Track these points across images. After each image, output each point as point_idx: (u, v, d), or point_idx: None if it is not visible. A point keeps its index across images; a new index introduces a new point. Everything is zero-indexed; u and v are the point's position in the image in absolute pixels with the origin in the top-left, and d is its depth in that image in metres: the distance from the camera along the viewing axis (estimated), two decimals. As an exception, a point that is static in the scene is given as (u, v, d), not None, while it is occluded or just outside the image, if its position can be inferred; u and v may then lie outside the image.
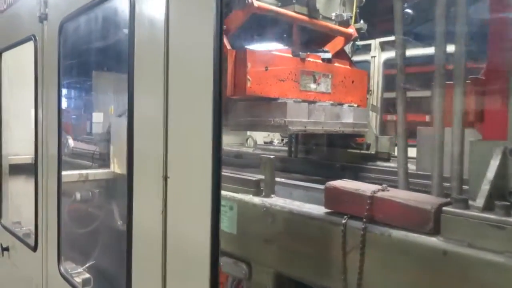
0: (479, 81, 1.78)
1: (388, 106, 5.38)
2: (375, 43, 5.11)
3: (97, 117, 7.34)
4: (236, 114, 3.22)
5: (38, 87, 2.93)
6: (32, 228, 4.09)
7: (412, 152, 4.78)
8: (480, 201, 1.44)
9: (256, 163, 2.82)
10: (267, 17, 3.32)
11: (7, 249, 3.69)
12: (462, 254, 1.38)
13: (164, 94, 1.58)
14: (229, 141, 5.14)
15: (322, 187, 3.01)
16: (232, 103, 3.24)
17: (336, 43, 4.06)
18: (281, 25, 3.66)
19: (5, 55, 3.81)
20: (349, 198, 1.73)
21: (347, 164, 4.25)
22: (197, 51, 1.45)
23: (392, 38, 5.20)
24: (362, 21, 4.17)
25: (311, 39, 4.02)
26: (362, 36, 4.31)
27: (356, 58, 4.69)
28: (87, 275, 2.82)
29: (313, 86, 3.51)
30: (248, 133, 5.10)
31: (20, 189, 4.20)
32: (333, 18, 3.93)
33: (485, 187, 1.49)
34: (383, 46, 5.16)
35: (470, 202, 1.48)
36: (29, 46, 3.61)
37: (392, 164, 4.32)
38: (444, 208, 1.46)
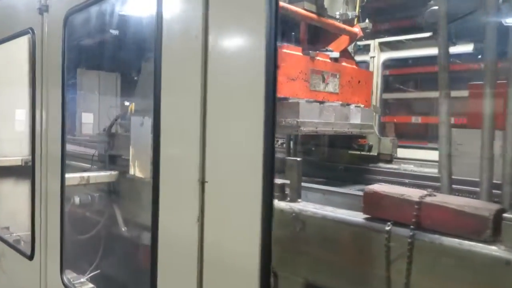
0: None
1: (386, 107, 5.35)
2: (374, 43, 5.07)
3: (87, 117, 7.09)
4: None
5: (37, 85, 2.74)
6: (23, 234, 3.88)
7: (413, 154, 4.76)
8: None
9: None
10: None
11: (-3, 256, 3.46)
12: (526, 264, 1.31)
13: (201, 94, 1.44)
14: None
15: (340, 190, 2.94)
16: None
17: (340, 43, 3.98)
18: (288, 22, 3.56)
19: (-8, 50, 3.58)
20: (392, 204, 1.63)
21: (350, 166, 4.18)
22: (245, 47, 1.33)
23: (391, 38, 5.18)
24: (367, 20, 4.12)
25: (316, 37, 3.93)
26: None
27: (355, 58, 4.64)
28: (91, 285, 2.64)
29: (322, 85, 3.42)
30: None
31: (9, 193, 3.97)
32: (337, 16, 3.85)
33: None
34: (382, 47, 5.13)
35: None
36: (18, 41, 3.41)
37: (394, 166, 4.29)
38: (505, 215, 1.38)
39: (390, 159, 4.37)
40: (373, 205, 1.70)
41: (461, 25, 2.16)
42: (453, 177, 2.19)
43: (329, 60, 3.50)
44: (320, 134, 3.41)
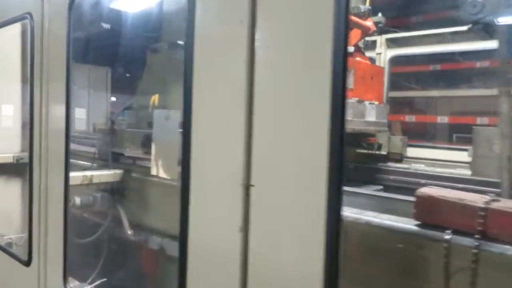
0: None
1: (392, 105, 5.22)
2: (381, 39, 4.92)
3: (80, 112, 6.79)
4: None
5: (35, 78, 2.50)
6: (15, 237, 3.62)
7: (422, 153, 4.63)
8: None
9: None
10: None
11: (-13, 262, 3.19)
12: None
13: (247, 85, 1.25)
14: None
15: (366, 191, 2.78)
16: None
17: (352, 37, 3.82)
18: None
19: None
20: (451, 210, 1.47)
21: (361, 165, 4.03)
22: (305, 33, 1.14)
23: (399, 35, 5.05)
24: (380, 14, 3.97)
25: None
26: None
27: (362, 54, 4.49)
28: (96, 294, 2.43)
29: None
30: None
31: (0, 192, 3.70)
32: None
33: None
34: (389, 43, 4.99)
35: None
36: (7, 29, 3.15)
37: (405, 165, 4.16)
38: None
39: (400, 158, 4.24)
40: (428, 210, 1.53)
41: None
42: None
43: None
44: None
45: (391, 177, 3.82)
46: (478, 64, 6.93)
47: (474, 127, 2.37)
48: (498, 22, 1.79)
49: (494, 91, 3.59)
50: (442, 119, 7.98)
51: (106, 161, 3.01)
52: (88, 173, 2.66)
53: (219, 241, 1.34)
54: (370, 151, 4.24)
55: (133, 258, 2.91)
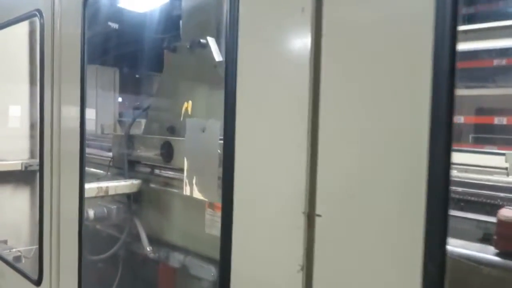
0: None
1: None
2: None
3: (89, 113, 6.59)
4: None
5: (45, 79, 2.28)
6: (24, 250, 3.41)
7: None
8: None
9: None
10: None
11: (-6, 277, 2.99)
12: None
13: (310, 85, 1.01)
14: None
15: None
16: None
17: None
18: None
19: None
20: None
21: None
22: (393, 21, 0.90)
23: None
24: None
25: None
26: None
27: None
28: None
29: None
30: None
31: (6, 202, 3.49)
32: None
33: None
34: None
35: None
36: (14, 28, 2.94)
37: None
38: None
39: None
40: (514, 238, 1.28)
41: None
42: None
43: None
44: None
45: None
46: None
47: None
48: None
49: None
50: (458, 119, 7.69)
51: (120, 169, 2.79)
52: (104, 184, 2.43)
53: (273, 284, 1.10)
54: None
55: (151, 276, 2.68)
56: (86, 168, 2.88)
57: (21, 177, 3.45)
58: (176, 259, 2.44)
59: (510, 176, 3.06)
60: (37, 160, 3.47)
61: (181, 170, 2.43)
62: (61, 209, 2.20)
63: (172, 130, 2.62)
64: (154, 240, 2.51)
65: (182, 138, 2.40)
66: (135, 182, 2.57)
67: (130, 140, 2.73)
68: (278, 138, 1.09)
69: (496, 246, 1.33)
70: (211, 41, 2.42)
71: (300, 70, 1.03)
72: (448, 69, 0.81)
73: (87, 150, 3.65)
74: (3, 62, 3.38)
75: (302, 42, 1.03)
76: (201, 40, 2.40)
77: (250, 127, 1.16)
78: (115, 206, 2.65)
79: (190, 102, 2.06)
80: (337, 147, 0.98)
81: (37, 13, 2.30)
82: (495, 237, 1.33)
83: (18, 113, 3.50)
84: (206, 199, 1.67)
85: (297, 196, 1.04)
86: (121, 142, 2.76)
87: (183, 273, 2.48)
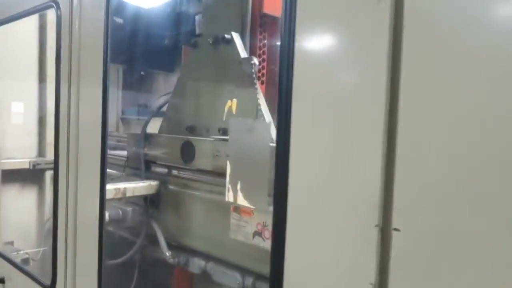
0: None
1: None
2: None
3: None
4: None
5: (62, 75, 2.16)
6: (31, 251, 3.30)
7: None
8: None
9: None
10: None
11: (2, 280, 2.87)
12: None
13: (388, 93, 0.91)
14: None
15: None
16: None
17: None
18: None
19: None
20: None
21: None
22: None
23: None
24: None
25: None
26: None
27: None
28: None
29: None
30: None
31: (12, 201, 3.37)
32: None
33: None
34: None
35: None
36: (21, 22, 2.81)
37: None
38: None
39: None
40: None
41: None
42: None
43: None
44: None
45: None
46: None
47: None
48: None
49: None
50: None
51: (135, 169, 2.68)
52: (121, 185, 2.32)
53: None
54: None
55: (168, 282, 2.58)
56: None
57: (28, 175, 3.33)
58: (196, 265, 2.33)
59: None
60: (45, 159, 3.37)
61: (202, 171, 2.34)
62: (79, 211, 2.08)
63: (191, 130, 2.51)
64: (172, 245, 2.40)
65: (205, 138, 2.29)
66: (153, 183, 2.46)
67: (146, 139, 2.62)
68: (345, 141, 0.98)
69: None
70: (236, 37, 2.30)
71: (375, 68, 0.92)
72: None
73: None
74: (11, 58, 3.25)
75: (378, 36, 0.92)
76: (226, 36, 2.29)
77: (309, 129, 1.05)
78: (130, 208, 2.54)
79: (234, 100, 1.94)
80: (419, 154, 0.87)
81: (54, 4, 2.18)
82: None
83: (25, 110, 3.38)
84: (252, 207, 1.56)
85: (369, 208, 0.93)
86: (137, 141, 2.65)
87: (204, 279, 2.38)
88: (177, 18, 3.56)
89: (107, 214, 2.45)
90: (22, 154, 3.31)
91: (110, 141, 4.30)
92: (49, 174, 3.38)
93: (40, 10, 2.36)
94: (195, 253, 2.33)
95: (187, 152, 2.35)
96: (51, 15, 3.20)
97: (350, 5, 0.98)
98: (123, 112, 9.91)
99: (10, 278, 2.84)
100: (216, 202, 2.17)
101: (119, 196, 2.29)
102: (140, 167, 2.59)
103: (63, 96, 2.16)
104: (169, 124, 2.66)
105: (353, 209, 0.97)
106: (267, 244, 1.92)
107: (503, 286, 0.77)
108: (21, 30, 3.22)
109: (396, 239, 0.90)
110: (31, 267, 3.06)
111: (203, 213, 2.23)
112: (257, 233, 1.97)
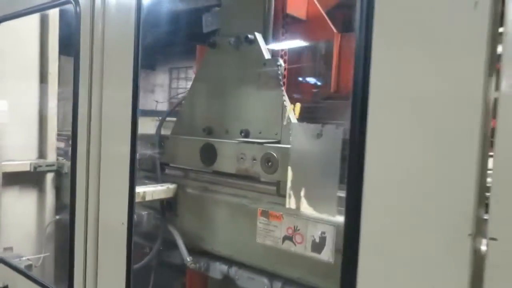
0: None
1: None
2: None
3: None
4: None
5: (81, 76, 2.07)
6: (33, 258, 3.16)
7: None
8: None
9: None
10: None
11: (5, 289, 2.74)
12: None
13: (483, 95, 0.89)
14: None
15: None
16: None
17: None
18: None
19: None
20: None
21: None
22: None
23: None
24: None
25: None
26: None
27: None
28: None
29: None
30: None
31: (12, 205, 3.22)
32: None
33: None
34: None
35: None
36: (21, 20, 2.71)
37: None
38: None
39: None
40: None
41: None
42: None
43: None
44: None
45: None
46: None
47: None
48: None
49: None
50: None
51: (148, 172, 2.60)
52: (140, 189, 2.24)
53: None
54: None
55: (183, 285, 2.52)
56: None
57: (28, 178, 3.19)
58: (217, 270, 2.28)
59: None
60: (47, 161, 3.24)
61: (224, 174, 2.29)
62: (102, 215, 2.00)
63: (209, 131, 2.46)
64: (191, 249, 2.34)
65: (229, 141, 2.24)
66: (171, 186, 2.39)
67: (160, 141, 2.55)
68: (435, 148, 0.96)
69: None
70: (259, 37, 2.27)
71: (471, 72, 0.90)
72: None
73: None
74: (10, 57, 3.10)
75: (474, 45, 0.90)
76: (249, 36, 2.24)
77: (389, 134, 1.03)
78: (145, 212, 2.47)
79: (298, 104, 1.89)
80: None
81: (72, 1, 2.08)
82: None
83: (25, 111, 3.23)
84: (318, 213, 1.52)
85: (461, 216, 0.92)
86: (151, 143, 2.57)
87: (226, 285, 2.33)
88: (162, 17, 3.48)
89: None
90: (22, 156, 3.17)
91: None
92: (50, 177, 3.25)
93: (56, 6, 2.26)
94: (216, 258, 2.28)
95: (208, 154, 2.30)
96: (53, 13, 3.08)
97: (445, 8, 0.95)
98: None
99: (15, 286, 2.72)
100: (240, 206, 2.13)
101: (138, 200, 2.22)
102: (155, 169, 2.51)
103: (82, 99, 2.07)
104: (183, 125, 2.60)
105: (441, 217, 0.95)
106: (298, 248, 1.90)
107: None
108: (22, 28, 3.08)
109: (493, 249, 0.89)
110: (43, 279, 2.93)
111: (226, 216, 2.19)
112: (288, 238, 1.94)
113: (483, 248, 0.92)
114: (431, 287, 0.97)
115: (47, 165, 3.21)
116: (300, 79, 2.41)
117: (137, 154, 1.88)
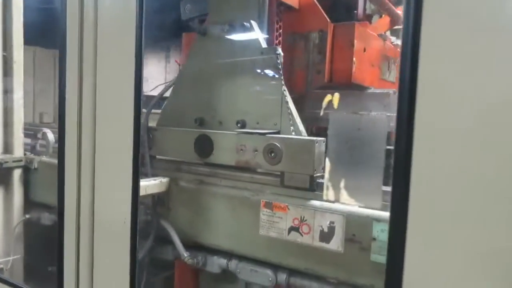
0: None
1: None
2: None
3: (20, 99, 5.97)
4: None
5: (68, 64, 1.91)
6: (4, 262, 2.93)
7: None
8: None
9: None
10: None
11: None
12: None
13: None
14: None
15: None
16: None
17: (380, 25, 3.57)
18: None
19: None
20: None
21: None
22: None
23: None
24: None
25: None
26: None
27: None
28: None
29: (387, 74, 2.99)
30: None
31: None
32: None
33: None
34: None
35: None
36: None
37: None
38: None
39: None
40: None
41: None
42: None
43: (392, 45, 3.09)
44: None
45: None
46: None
47: None
48: None
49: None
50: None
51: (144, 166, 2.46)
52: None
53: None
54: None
55: (184, 282, 2.44)
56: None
57: (-7, 175, 2.94)
58: (215, 264, 2.23)
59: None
60: (14, 156, 3.00)
61: (219, 166, 2.23)
62: (98, 213, 1.87)
63: (201, 122, 2.38)
64: (185, 244, 2.26)
65: (227, 132, 2.18)
66: (164, 180, 2.30)
67: (149, 132, 2.43)
68: (487, 145, 0.97)
69: None
70: (255, 25, 2.21)
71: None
72: None
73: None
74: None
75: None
76: (245, 24, 2.18)
77: (441, 125, 1.03)
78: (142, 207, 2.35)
79: (336, 94, 1.84)
80: None
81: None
82: None
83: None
84: (362, 205, 1.50)
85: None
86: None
87: (225, 278, 2.29)
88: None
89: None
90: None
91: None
92: (17, 173, 3.01)
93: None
94: (213, 251, 2.23)
95: (203, 146, 2.22)
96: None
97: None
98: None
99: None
100: (242, 198, 2.08)
101: (133, 195, 2.10)
102: (144, 163, 2.40)
103: (71, 88, 1.91)
104: (171, 116, 2.49)
105: (504, 217, 0.96)
106: (305, 239, 1.89)
107: None
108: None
109: None
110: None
111: (226, 209, 2.13)
112: (294, 228, 1.93)
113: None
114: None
115: (14, 161, 2.97)
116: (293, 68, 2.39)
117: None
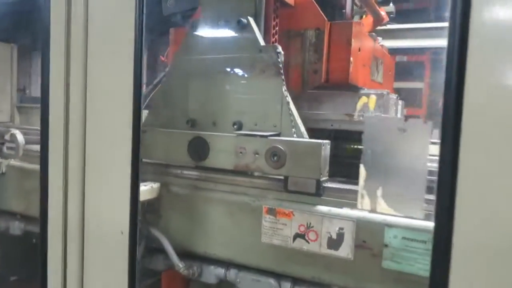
0: None
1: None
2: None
3: None
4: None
5: (52, 49, 1.73)
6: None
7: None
8: None
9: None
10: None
11: None
12: None
13: None
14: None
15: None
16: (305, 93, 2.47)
17: (365, 25, 3.56)
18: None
19: None
20: None
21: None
22: None
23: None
24: (391, 4, 3.77)
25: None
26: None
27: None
28: None
29: (375, 74, 2.97)
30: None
31: None
32: (360, -7, 3.38)
33: None
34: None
35: None
36: None
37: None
38: None
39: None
40: None
41: None
42: None
43: (379, 45, 3.07)
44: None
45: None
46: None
47: None
48: None
49: None
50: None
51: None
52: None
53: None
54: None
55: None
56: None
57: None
58: (212, 274, 2.11)
59: None
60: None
61: (214, 170, 2.10)
62: (89, 224, 1.70)
63: (193, 123, 2.24)
64: (178, 253, 2.12)
65: (223, 134, 2.06)
66: (155, 185, 2.14)
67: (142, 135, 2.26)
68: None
69: None
70: (252, 22, 2.11)
71: None
72: None
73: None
74: None
75: None
76: (242, 20, 2.07)
77: (491, 127, 0.97)
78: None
79: (373, 96, 1.74)
80: None
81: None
82: None
83: None
84: (400, 214, 1.41)
85: None
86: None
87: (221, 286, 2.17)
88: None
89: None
90: None
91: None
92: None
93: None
94: (209, 261, 2.11)
95: (198, 149, 2.09)
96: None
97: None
98: (21, 100, 8.69)
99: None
100: (241, 204, 1.98)
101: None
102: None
103: (55, 75, 1.72)
104: (159, 117, 2.34)
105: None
106: (311, 246, 1.82)
107: None
108: None
109: None
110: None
111: (223, 216, 2.02)
112: (299, 235, 1.85)
113: None
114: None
115: (-25, 164, 2.71)
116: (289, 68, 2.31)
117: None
